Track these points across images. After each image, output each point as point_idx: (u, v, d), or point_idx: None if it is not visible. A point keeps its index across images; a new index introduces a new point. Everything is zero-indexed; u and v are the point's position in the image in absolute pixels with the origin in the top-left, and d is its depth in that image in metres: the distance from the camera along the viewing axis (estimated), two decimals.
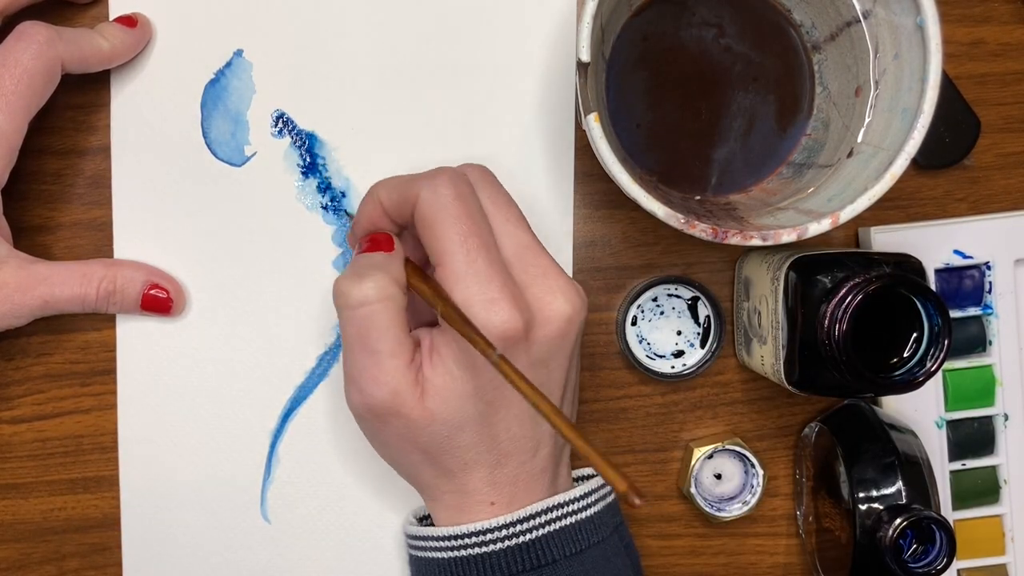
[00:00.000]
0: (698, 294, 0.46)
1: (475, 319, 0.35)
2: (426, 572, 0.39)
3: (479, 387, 0.37)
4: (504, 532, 0.38)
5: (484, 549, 0.38)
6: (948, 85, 0.47)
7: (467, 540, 0.38)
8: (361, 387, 0.37)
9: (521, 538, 0.38)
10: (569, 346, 0.38)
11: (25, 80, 0.39)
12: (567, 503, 0.39)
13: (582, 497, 0.39)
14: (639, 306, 0.46)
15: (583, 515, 0.39)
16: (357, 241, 0.40)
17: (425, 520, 0.43)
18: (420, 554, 0.40)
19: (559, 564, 0.38)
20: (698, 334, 0.47)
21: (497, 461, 0.38)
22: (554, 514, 0.38)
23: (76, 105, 0.45)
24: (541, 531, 0.38)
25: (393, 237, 0.39)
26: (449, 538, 0.38)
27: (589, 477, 0.43)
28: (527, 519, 0.38)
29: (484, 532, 0.38)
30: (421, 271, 0.38)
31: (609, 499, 0.41)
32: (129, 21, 0.43)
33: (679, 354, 0.47)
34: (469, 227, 0.36)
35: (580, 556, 0.38)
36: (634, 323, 0.47)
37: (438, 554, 0.39)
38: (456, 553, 0.38)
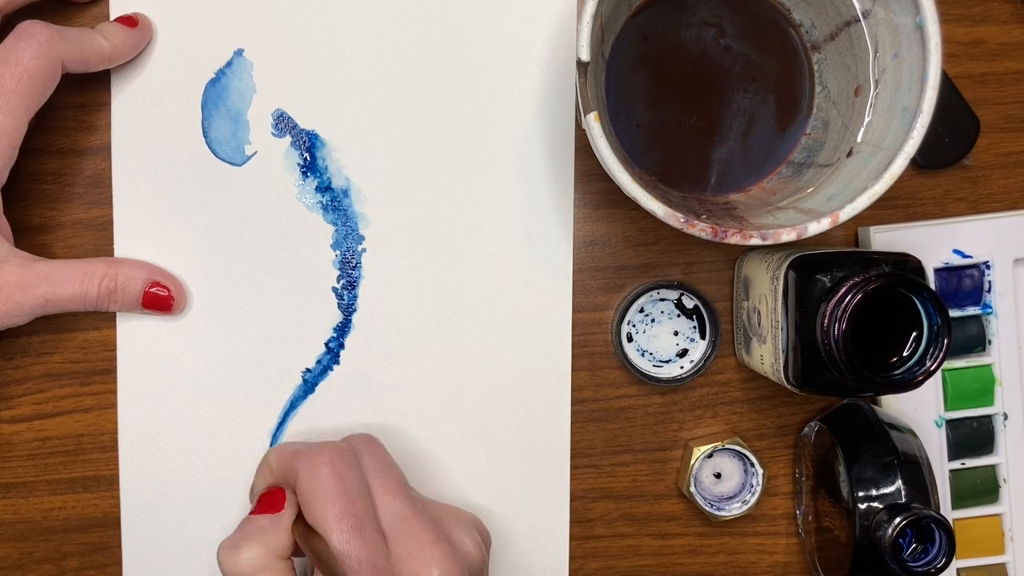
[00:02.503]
0: (680, 290, 0.46)
1: None
2: None
3: None
4: None
5: None
6: (947, 85, 0.47)
7: None
8: None
9: None
10: None
11: (25, 79, 0.39)
12: None
13: None
14: (629, 322, 0.46)
15: None
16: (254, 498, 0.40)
17: None
18: None
19: None
20: (694, 327, 0.47)
21: None
22: None
23: (76, 105, 0.45)
24: None
25: (286, 495, 0.38)
26: None
27: None
28: None
29: None
30: (313, 534, 0.38)
31: None
32: (130, 21, 0.43)
33: (683, 353, 0.47)
34: (344, 507, 0.36)
35: None
36: (630, 340, 0.47)
37: None
38: None
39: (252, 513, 0.38)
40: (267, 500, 0.38)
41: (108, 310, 0.43)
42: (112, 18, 0.44)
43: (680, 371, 0.47)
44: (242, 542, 0.37)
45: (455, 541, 0.39)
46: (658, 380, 0.46)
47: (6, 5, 0.41)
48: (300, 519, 0.38)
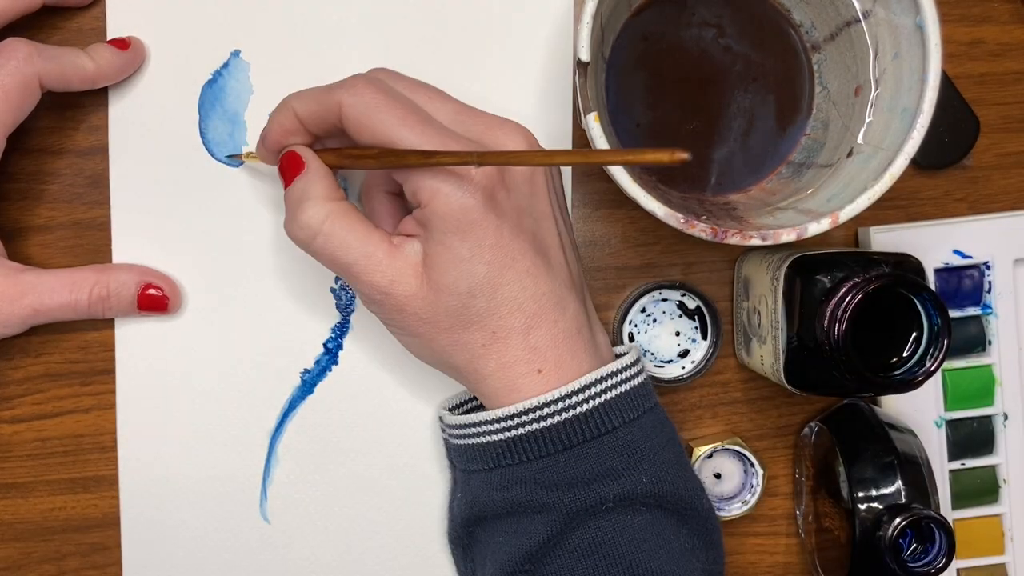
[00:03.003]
0: (682, 290, 0.46)
1: (448, 177, 0.35)
2: (482, 457, 0.39)
3: (473, 248, 0.36)
4: (562, 404, 0.37)
5: (543, 424, 0.37)
6: (947, 85, 0.47)
7: (525, 417, 0.37)
8: (366, 295, 0.38)
9: (579, 408, 0.37)
10: (543, 188, 0.39)
11: (0, 96, 0.39)
12: (621, 370, 0.39)
13: (633, 364, 0.39)
14: (631, 322, 0.46)
15: (636, 381, 0.39)
16: (266, 152, 0.40)
17: (457, 409, 0.43)
18: (471, 441, 0.39)
19: (618, 432, 0.38)
20: (696, 328, 0.47)
21: (527, 325, 0.37)
22: (610, 382, 0.38)
23: (76, 105, 0.45)
24: (598, 399, 0.38)
25: (299, 153, 0.38)
26: (505, 418, 0.38)
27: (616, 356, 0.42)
28: (583, 389, 0.37)
29: (542, 407, 0.37)
30: (357, 148, 0.38)
31: (645, 370, 0.41)
32: (122, 43, 0.43)
33: (685, 353, 0.47)
34: (403, 110, 0.36)
35: (638, 422, 0.38)
36: (632, 340, 0.47)
37: (494, 436, 0.38)
38: (514, 432, 0.38)
39: (285, 187, 0.39)
40: (288, 166, 0.39)
41: (103, 316, 0.43)
42: (108, 21, 0.44)
43: (681, 371, 0.47)
44: (294, 211, 0.38)
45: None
46: (659, 380, 0.46)
47: (4, 10, 0.41)
48: (347, 151, 0.38)
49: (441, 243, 0.36)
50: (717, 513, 0.46)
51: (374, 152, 0.37)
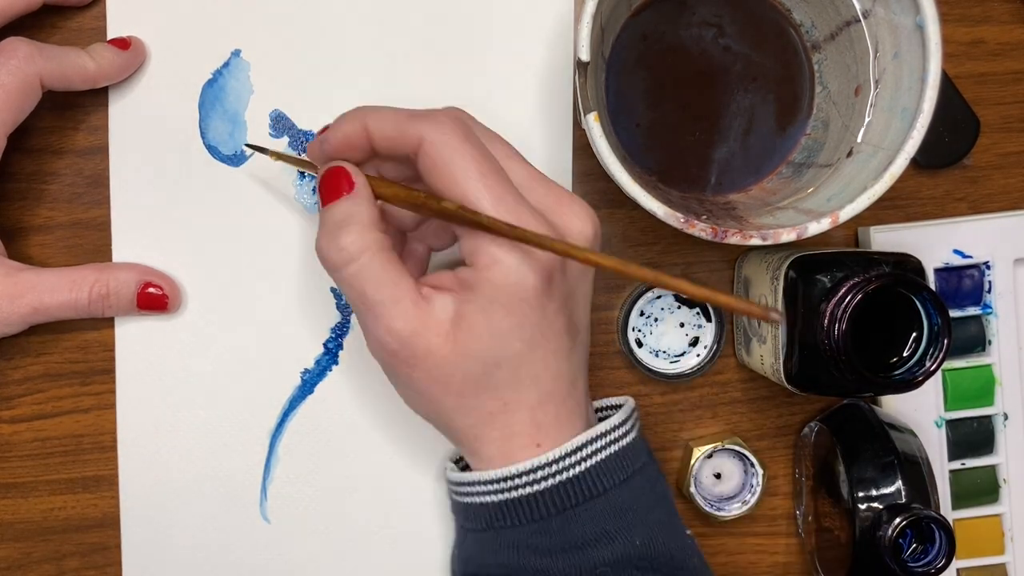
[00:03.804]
0: None
1: (513, 249, 0.35)
2: (475, 516, 0.39)
3: (515, 325, 0.35)
4: (554, 468, 0.37)
5: (536, 487, 0.37)
6: (947, 85, 0.47)
7: (518, 480, 0.37)
8: (379, 340, 0.36)
9: (570, 472, 0.37)
10: (591, 273, 0.39)
11: (1, 95, 0.39)
12: (610, 431, 0.38)
13: (621, 424, 0.39)
14: (634, 328, 0.46)
15: (625, 441, 0.39)
16: (320, 154, 0.38)
17: (462, 462, 0.43)
18: (467, 500, 0.39)
19: (610, 493, 0.37)
20: (698, 313, 0.47)
21: (539, 401, 0.37)
22: (600, 443, 0.38)
23: (76, 105, 0.45)
24: (589, 462, 0.37)
25: (352, 172, 0.37)
26: (500, 480, 0.37)
27: (611, 407, 0.43)
28: (574, 452, 0.37)
29: (534, 470, 0.37)
30: (431, 195, 0.36)
31: (639, 423, 0.41)
32: (122, 43, 0.43)
33: (695, 341, 0.47)
34: (486, 166, 0.35)
35: (628, 483, 0.38)
36: (640, 345, 0.47)
37: (487, 498, 0.38)
38: (507, 495, 0.37)
39: (325, 202, 0.36)
40: (331, 184, 0.36)
41: (103, 315, 0.43)
42: (109, 21, 0.44)
43: (697, 359, 0.47)
44: (335, 232, 0.36)
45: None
46: (681, 376, 0.46)
47: (4, 10, 0.41)
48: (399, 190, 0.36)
49: (484, 311, 0.35)
50: (717, 513, 0.47)
51: (453, 208, 0.35)
